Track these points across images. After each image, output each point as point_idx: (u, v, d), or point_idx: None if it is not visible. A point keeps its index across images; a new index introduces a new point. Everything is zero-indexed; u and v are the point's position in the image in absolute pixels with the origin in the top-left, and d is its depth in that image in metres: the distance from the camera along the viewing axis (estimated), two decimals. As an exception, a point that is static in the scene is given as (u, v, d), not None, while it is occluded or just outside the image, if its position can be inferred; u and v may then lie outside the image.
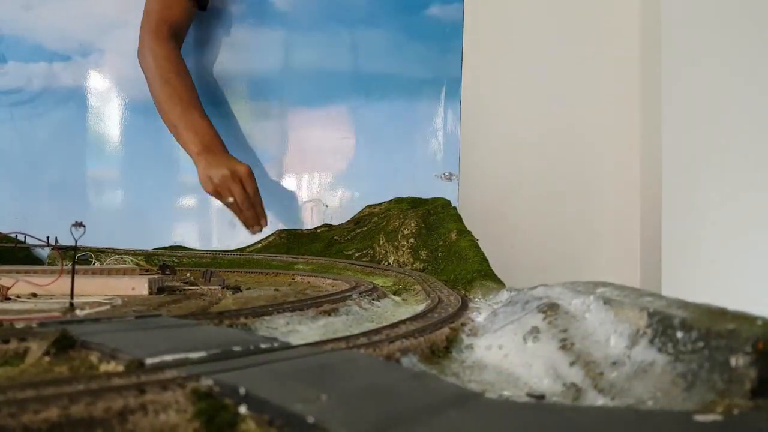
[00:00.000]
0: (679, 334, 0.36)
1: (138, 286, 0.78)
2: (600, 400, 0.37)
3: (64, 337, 0.39)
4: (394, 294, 0.87)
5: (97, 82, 1.58)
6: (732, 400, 0.31)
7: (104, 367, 0.35)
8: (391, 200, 1.51)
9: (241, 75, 1.58)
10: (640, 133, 1.70)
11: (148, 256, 1.37)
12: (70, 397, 0.27)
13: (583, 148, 1.72)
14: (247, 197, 1.32)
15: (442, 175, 1.55)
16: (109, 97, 1.58)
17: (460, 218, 1.26)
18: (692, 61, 1.57)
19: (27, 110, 1.57)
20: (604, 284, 0.50)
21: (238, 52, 1.58)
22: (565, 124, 1.72)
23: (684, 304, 0.40)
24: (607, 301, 0.45)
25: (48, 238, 0.81)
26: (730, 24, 1.56)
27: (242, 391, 0.29)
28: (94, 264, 1.21)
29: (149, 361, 0.34)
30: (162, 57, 1.41)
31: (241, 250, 1.51)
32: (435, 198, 1.45)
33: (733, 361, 0.32)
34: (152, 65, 1.41)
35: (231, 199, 1.31)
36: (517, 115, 1.72)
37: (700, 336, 0.35)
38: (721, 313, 0.36)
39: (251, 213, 1.34)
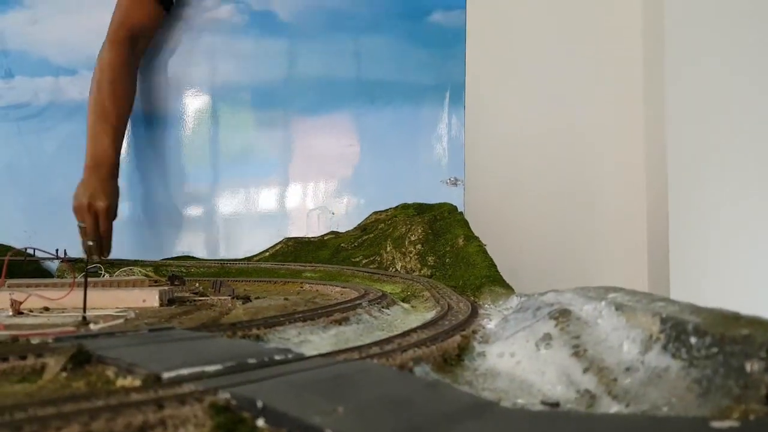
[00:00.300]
0: (693, 340, 0.36)
1: (149, 298, 0.79)
2: (614, 407, 0.37)
3: (81, 353, 0.39)
4: (403, 301, 0.87)
5: (103, 94, 1.59)
6: (748, 406, 0.31)
7: (121, 382, 0.36)
8: (397, 206, 1.51)
9: (246, 84, 1.59)
10: (644, 132, 1.70)
11: (157, 266, 1.37)
12: (91, 413, 0.27)
13: (588, 152, 1.72)
14: (96, 230, 1.30)
15: (448, 180, 1.55)
16: (115, 110, 1.59)
17: (466, 223, 1.26)
18: (695, 61, 1.57)
19: (34, 124, 1.58)
20: (615, 289, 0.50)
21: (242, 62, 1.59)
22: (570, 129, 1.72)
23: (697, 310, 0.40)
24: (619, 307, 0.45)
25: (57, 250, 0.82)
26: (733, 23, 1.56)
27: (260, 404, 0.29)
28: (103, 276, 1.22)
29: (166, 375, 0.34)
30: (107, 63, 1.42)
31: (249, 258, 1.51)
32: (441, 203, 1.45)
33: (748, 367, 0.32)
34: (96, 69, 1.42)
35: (82, 225, 1.30)
36: (521, 119, 1.72)
37: (714, 341, 0.35)
38: (735, 319, 0.36)
39: (95, 245, 1.29)
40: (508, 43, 1.75)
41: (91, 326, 0.59)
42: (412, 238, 1.25)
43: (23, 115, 1.58)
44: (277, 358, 0.39)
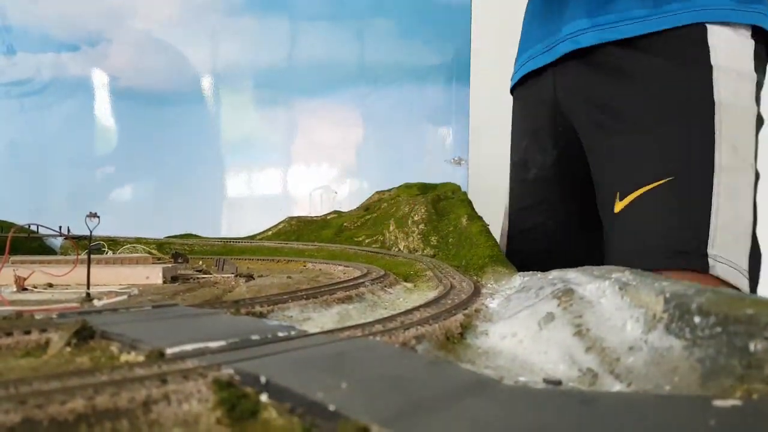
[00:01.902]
0: (697, 320, 0.36)
1: (152, 275, 0.79)
2: (617, 386, 0.37)
3: (84, 328, 0.39)
4: (405, 280, 0.87)
5: (105, 71, 1.58)
6: (751, 386, 0.31)
7: (125, 358, 0.36)
8: (400, 186, 1.51)
9: (247, 64, 1.58)
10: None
11: (160, 244, 1.38)
12: (95, 387, 0.27)
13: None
14: None
15: (452, 160, 1.54)
16: (117, 87, 1.58)
17: (470, 203, 1.26)
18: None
19: (36, 101, 1.58)
20: (619, 269, 0.50)
21: (244, 42, 1.57)
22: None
23: (701, 289, 0.40)
24: (622, 286, 0.45)
25: (60, 228, 0.82)
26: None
27: (263, 379, 0.29)
28: (106, 253, 1.22)
29: (169, 351, 0.34)
30: None
31: (252, 237, 1.52)
32: (444, 183, 1.45)
33: (752, 347, 0.32)
34: None
35: None
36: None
37: (718, 321, 0.35)
38: (740, 299, 0.36)
39: None
40: (515, 20, 1.73)
41: (95, 302, 0.59)
42: (415, 218, 1.24)
43: (25, 91, 1.58)
44: (280, 334, 0.39)
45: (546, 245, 1.12)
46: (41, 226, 0.79)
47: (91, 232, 0.63)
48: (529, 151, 1.14)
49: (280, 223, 1.54)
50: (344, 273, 0.91)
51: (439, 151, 1.55)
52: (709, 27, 0.89)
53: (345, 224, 1.46)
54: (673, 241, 0.83)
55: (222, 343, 0.36)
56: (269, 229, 1.53)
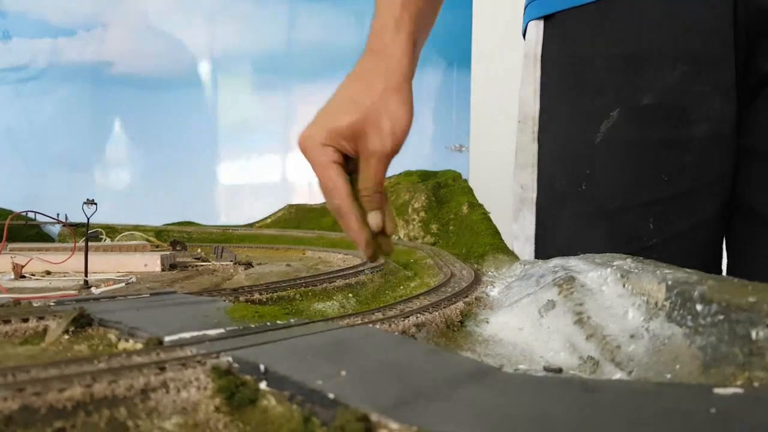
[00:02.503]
0: (699, 307, 0.36)
1: (150, 263, 0.79)
2: (617, 374, 0.37)
3: (82, 316, 0.39)
4: (405, 268, 0.87)
5: (101, 56, 1.57)
6: (752, 373, 0.31)
7: (123, 345, 0.36)
8: (400, 173, 1.50)
9: (245, 49, 1.56)
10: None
11: (158, 232, 1.37)
12: (93, 375, 0.27)
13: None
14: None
15: (453, 147, 1.54)
16: (114, 72, 1.57)
17: (471, 191, 1.25)
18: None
19: (33, 87, 1.57)
20: (622, 257, 0.50)
21: (242, 26, 1.56)
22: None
23: (703, 277, 0.40)
24: (624, 274, 0.45)
25: (58, 215, 0.81)
26: None
27: (262, 367, 0.29)
28: (104, 240, 1.22)
29: (168, 338, 0.34)
30: None
31: (251, 225, 1.51)
32: (445, 171, 1.44)
33: (754, 334, 0.32)
34: None
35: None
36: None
37: (721, 309, 0.35)
38: (742, 286, 0.36)
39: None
40: (518, 5, 1.71)
41: (93, 290, 0.59)
42: (416, 206, 1.24)
43: (21, 77, 1.57)
44: (279, 322, 0.39)
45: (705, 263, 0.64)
46: (39, 213, 0.79)
47: (88, 219, 0.63)
48: (689, 88, 0.62)
49: (279, 210, 1.54)
50: (344, 261, 0.91)
51: (440, 138, 1.54)
52: None
53: (344, 212, 1.46)
54: None
55: (221, 330, 0.36)
56: (268, 217, 1.53)
